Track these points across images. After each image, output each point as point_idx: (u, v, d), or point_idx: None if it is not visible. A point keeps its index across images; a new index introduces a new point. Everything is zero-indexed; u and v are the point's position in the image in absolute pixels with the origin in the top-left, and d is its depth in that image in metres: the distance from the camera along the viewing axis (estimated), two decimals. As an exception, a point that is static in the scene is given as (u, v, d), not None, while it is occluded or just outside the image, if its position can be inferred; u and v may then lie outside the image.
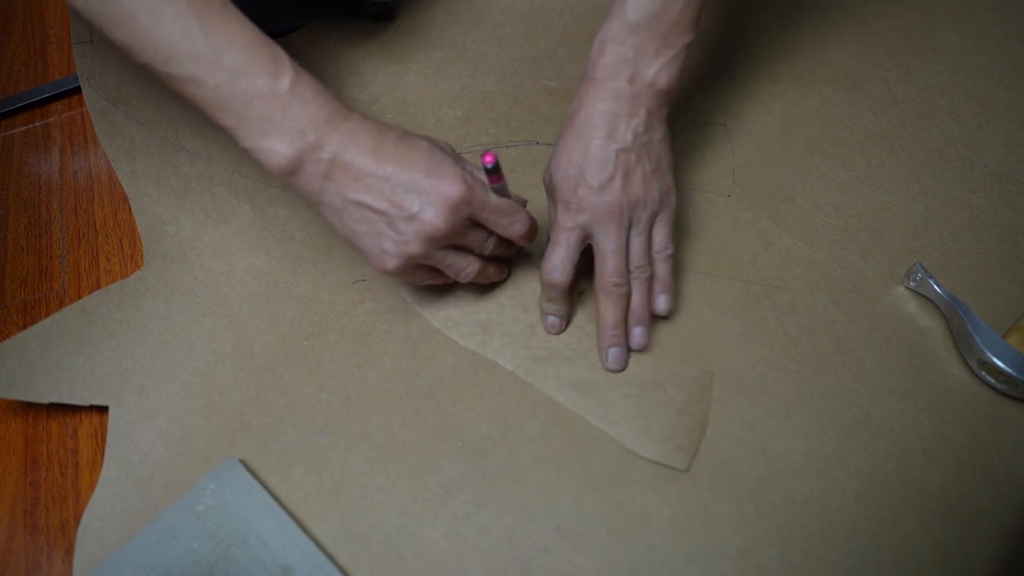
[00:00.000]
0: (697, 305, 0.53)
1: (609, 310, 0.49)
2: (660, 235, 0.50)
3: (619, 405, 0.48)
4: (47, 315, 0.54)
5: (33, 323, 0.52)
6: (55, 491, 0.48)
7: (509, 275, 0.54)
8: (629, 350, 0.50)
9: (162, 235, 0.57)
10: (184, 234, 0.57)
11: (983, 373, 0.48)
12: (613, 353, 0.49)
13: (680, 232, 0.56)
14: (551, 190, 0.50)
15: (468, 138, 0.63)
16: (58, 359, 0.51)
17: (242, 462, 0.46)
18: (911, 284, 0.53)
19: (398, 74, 0.67)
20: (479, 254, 0.48)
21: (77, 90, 0.69)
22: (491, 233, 0.47)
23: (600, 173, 0.47)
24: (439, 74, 0.67)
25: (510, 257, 0.54)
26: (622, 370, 0.50)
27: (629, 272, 0.49)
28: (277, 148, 0.42)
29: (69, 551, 0.45)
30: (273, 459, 0.47)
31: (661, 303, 0.51)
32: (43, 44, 0.75)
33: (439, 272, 0.48)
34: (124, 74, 0.66)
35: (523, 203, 0.50)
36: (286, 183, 0.44)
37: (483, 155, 0.44)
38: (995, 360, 0.47)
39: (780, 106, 0.64)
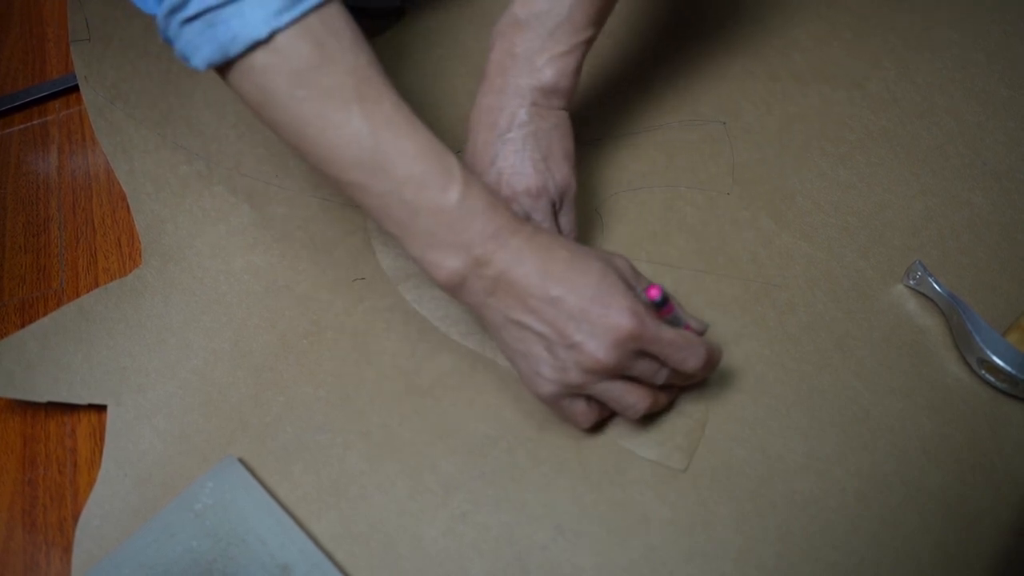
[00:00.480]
0: (696, 304, 0.53)
1: None
2: (565, 223, 0.50)
3: None
4: (45, 314, 0.54)
5: (31, 322, 0.52)
6: (53, 490, 0.48)
7: None
8: None
9: (160, 234, 0.57)
10: (182, 233, 0.57)
11: (983, 372, 0.48)
12: None
13: (679, 230, 0.56)
14: None
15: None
16: (56, 358, 0.51)
17: (241, 461, 0.46)
18: (911, 282, 0.53)
19: (398, 72, 0.67)
20: (651, 384, 0.44)
21: (75, 88, 0.69)
22: (663, 364, 0.43)
23: (488, 169, 0.47)
24: (439, 73, 0.67)
25: None
26: None
27: None
28: (443, 263, 0.40)
29: (67, 550, 0.45)
30: (272, 458, 0.47)
31: None
32: (41, 42, 0.75)
33: (601, 405, 0.44)
34: (122, 72, 0.66)
35: (702, 330, 0.46)
36: (451, 295, 0.42)
37: (647, 289, 0.41)
38: (995, 359, 0.47)
39: (779, 104, 0.64)
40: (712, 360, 0.43)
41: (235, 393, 0.50)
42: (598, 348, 0.39)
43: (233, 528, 0.43)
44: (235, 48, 0.38)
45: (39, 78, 0.71)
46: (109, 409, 0.49)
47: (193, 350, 0.51)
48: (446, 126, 0.63)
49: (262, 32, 0.37)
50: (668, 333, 0.41)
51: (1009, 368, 0.46)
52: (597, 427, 0.47)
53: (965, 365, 0.50)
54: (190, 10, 0.37)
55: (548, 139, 0.48)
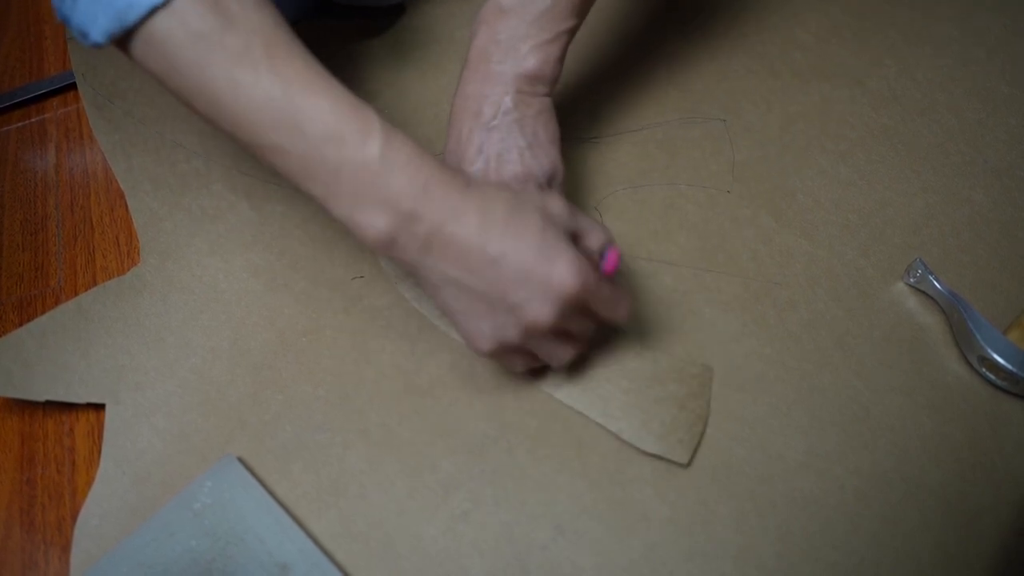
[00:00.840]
0: (696, 302, 0.52)
1: None
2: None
3: (618, 400, 0.48)
4: (43, 312, 0.54)
5: (29, 320, 0.52)
6: (52, 489, 0.48)
7: None
8: None
9: (159, 232, 0.57)
10: (181, 231, 0.57)
11: (983, 370, 0.48)
12: None
13: (679, 228, 0.56)
14: None
15: (466, 134, 0.62)
16: (54, 357, 0.50)
17: (240, 460, 0.46)
18: (911, 280, 0.53)
19: (396, 69, 0.67)
20: (579, 339, 0.44)
21: (73, 86, 0.69)
22: (597, 318, 0.43)
23: (474, 158, 0.47)
24: (437, 70, 0.67)
25: None
26: None
27: None
28: (370, 222, 0.38)
29: (66, 549, 0.45)
30: (271, 456, 0.47)
31: None
32: (38, 40, 0.75)
33: (534, 357, 0.45)
34: (120, 70, 0.66)
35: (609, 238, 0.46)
36: (385, 255, 0.41)
37: (606, 257, 0.40)
38: (995, 356, 0.47)
39: (780, 102, 0.64)
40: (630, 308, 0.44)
41: (234, 392, 0.50)
42: (539, 309, 0.39)
43: (232, 527, 0.43)
44: (132, 15, 0.36)
45: (36, 76, 0.71)
46: (107, 408, 0.49)
47: (192, 348, 0.51)
48: (444, 122, 0.63)
49: None
50: (606, 290, 0.41)
51: (1010, 366, 0.46)
52: (597, 428, 0.47)
53: (966, 363, 0.50)
54: None
55: (533, 125, 0.48)
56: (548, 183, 0.49)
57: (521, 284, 0.39)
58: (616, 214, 0.57)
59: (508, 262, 0.38)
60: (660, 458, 0.46)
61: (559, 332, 0.42)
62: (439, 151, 0.61)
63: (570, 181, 0.59)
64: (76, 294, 0.55)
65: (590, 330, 0.44)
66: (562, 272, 0.38)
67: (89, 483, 0.47)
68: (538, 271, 0.38)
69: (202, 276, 0.55)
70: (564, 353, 0.44)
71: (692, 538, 0.44)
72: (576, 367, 0.49)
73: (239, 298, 0.53)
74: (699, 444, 0.47)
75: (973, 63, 0.66)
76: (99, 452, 0.48)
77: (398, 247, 0.39)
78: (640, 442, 0.46)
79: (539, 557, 0.43)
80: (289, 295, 0.54)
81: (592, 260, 0.42)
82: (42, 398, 0.49)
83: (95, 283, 0.56)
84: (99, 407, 0.50)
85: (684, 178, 0.59)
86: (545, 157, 0.48)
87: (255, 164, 0.60)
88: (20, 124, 0.68)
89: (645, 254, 0.55)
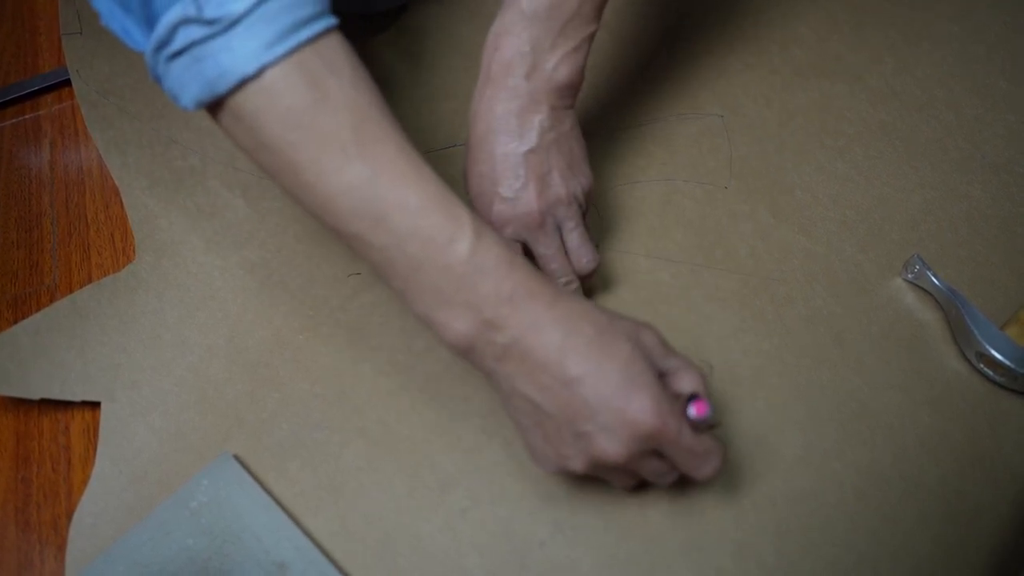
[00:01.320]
0: (695, 298, 0.52)
1: None
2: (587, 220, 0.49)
3: None
4: (38, 310, 0.53)
5: (24, 318, 0.52)
6: (47, 488, 0.48)
7: None
8: None
9: (154, 229, 0.56)
10: (176, 228, 0.56)
11: (981, 365, 0.48)
12: None
13: (677, 224, 0.56)
14: (473, 206, 0.48)
15: (463, 130, 0.62)
16: (50, 354, 0.50)
17: (236, 458, 0.46)
18: (909, 276, 0.53)
19: (393, 67, 0.66)
20: (651, 482, 0.41)
21: (67, 82, 0.68)
22: (667, 466, 0.39)
23: (512, 182, 0.45)
24: (434, 67, 0.66)
25: None
26: None
27: (579, 268, 0.48)
28: (450, 323, 0.37)
29: (62, 548, 0.45)
30: (268, 454, 0.47)
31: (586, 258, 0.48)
32: (33, 36, 0.74)
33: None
34: (115, 66, 0.65)
35: (715, 423, 0.43)
36: (461, 358, 0.39)
37: (694, 404, 0.37)
38: (993, 352, 0.47)
39: (778, 98, 0.64)
40: (720, 469, 0.39)
41: (231, 390, 0.49)
42: (610, 444, 0.36)
43: (229, 526, 0.43)
44: (223, 85, 0.35)
45: (31, 72, 0.71)
46: (103, 406, 0.49)
47: (188, 346, 0.51)
48: (442, 119, 0.63)
49: (251, 68, 0.34)
50: (688, 439, 0.37)
51: (1007, 362, 0.46)
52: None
53: (963, 359, 0.50)
54: (176, 44, 0.34)
55: (568, 143, 0.47)
56: (585, 199, 0.48)
57: (594, 414, 0.36)
58: (614, 210, 0.57)
59: (585, 387, 0.36)
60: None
61: (630, 471, 0.39)
62: (437, 149, 0.61)
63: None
64: (71, 291, 0.55)
65: (670, 476, 0.40)
66: (641, 409, 0.35)
67: (85, 481, 0.47)
68: (615, 403, 0.35)
69: (198, 273, 0.54)
70: (625, 484, 0.41)
71: (690, 534, 0.43)
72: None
73: (235, 295, 0.53)
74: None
75: (972, 60, 0.66)
76: (95, 450, 0.48)
77: (475, 353, 0.38)
78: None
79: (537, 554, 0.43)
80: (285, 292, 0.53)
81: (678, 404, 0.37)
82: (37, 396, 0.49)
83: (90, 280, 0.56)
84: (95, 405, 0.50)
85: (682, 174, 0.59)
86: (583, 175, 0.48)
87: (251, 161, 0.60)
88: (14, 120, 0.67)
89: (643, 250, 0.55)
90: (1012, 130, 0.61)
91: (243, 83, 0.35)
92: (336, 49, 0.37)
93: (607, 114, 0.63)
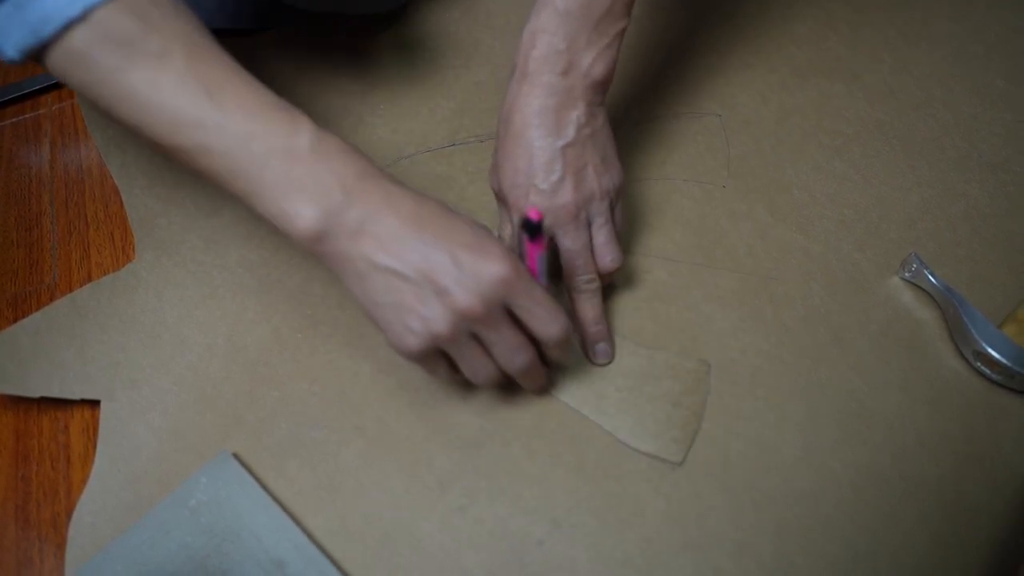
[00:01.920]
0: (693, 297, 0.52)
1: (587, 307, 0.48)
2: (617, 215, 0.49)
3: (613, 397, 0.48)
4: (38, 308, 0.53)
5: (24, 317, 0.52)
6: (46, 486, 0.48)
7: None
8: (614, 342, 0.50)
9: (153, 228, 0.57)
10: (176, 227, 0.57)
11: (978, 364, 0.48)
12: (601, 349, 0.49)
13: (675, 223, 0.56)
14: (502, 199, 0.48)
15: (462, 129, 0.62)
16: (49, 353, 0.50)
17: (235, 456, 0.46)
18: (907, 275, 0.53)
19: (391, 65, 0.66)
20: (502, 363, 0.42)
21: (67, 81, 0.68)
22: (523, 339, 0.41)
23: (549, 175, 0.46)
24: (432, 65, 0.67)
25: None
26: (611, 361, 0.49)
27: (603, 266, 0.48)
28: (300, 211, 0.37)
29: (61, 546, 0.45)
30: (267, 453, 0.47)
31: (608, 261, 0.48)
32: (32, 35, 0.74)
33: (455, 368, 0.43)
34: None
35: (550, 234, 0.46)
36: (313, 252, 0.39)
37: (528, 209, 0.40)
38: (990, 351, 0.47)
39: (776, 97, 0.64)
40: (567, 341, 0.42)
41: (230, 388, 0.49)
42: (467, 295, 0.38)
43: (228, 524, 0.43)
44: (48, 29, 0.36)
45: (31, 71, 0.71)
46: (102, 405, 0.49)
47: (187, 345, 0.51)
48: (441, 119, 0.63)
49: (75, 11, 0.35)
50: (539, 292, 0.40)
51: (1005, 360, 0.46)
52: (592, 423, 0.47)
53: (961, 357, 0.50)
54: None
55: (602, 139, 0.47)
56: (616, 194, 0.48)
57: (450, 268, 0.38)
58: (612, 209, 0.57)
59: (440, 244, 0.38)
60: (655, 457, 0.46)
61: (484, 336, 0.40)
62: (437, 148, 0.61)
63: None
64: (71, 290, 0.55)
65: (519, 356, 0.42)
66: (493, 258, 0.38)
67: (84, 480, 0.47)
68: (469, 255, 0.38)
69: (197, 272, 0.54)
70: (485, 367, 0.42)
71: (688, 532, 0.44)
72: (571, 365, 0.49)
73: (234, 294, 0.53)
74: (694, 441, 0.47)
75: (970, 59, 0.66)
76: (94, 449, 0.48)
77: (328, 238, 0.38)
78: (634, 441, 0.46)
79: (535, 552, 0.43)
80: (284, 291, 0.54)
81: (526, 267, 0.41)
82: (37, 395, 0.49)
83: (90, 279, 0.56)
84: (94, 404, 0.50)
85: (680, 173, 0.59)
86: (615, 171, 0.48)
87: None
88: (14, 120, 0.67)
89: (641, 249, 0.55)
90: (1010, 129, 0.61)
91: (69, 25, 0.36)
92: None
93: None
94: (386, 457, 0.47)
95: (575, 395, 0.48)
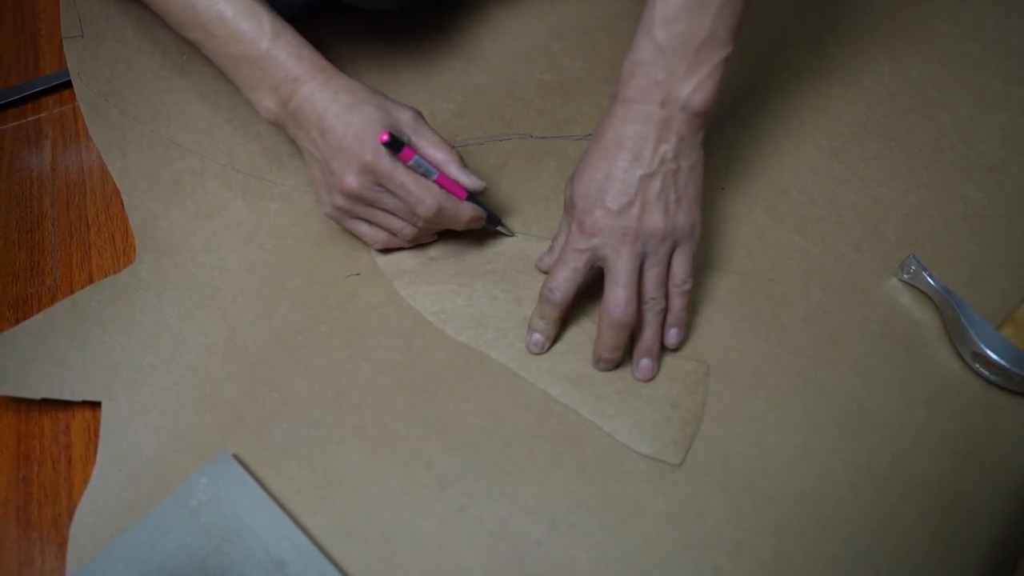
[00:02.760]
0: (692, 298, 0.52)
1: (608, 336, 0.47)
2: (680, 268, 0.48)
3: (612, 399, 0.48)
4: (39, 310, 0.54)
5: (25, 318, 0.52)
6: (48, 486, 0.48)
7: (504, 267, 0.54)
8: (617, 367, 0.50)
9: (154, 229, 0.57)
10: (176, 228, 0.57)
11: (977, 365, 0.49)
12: (602, 368, 0.49)
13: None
14: (569, 207, 0.49)
15: (462, 131, 0.62)
16: (50, 354, 0.50)
17: (235, 456, 0.46)
18: (905, 276, 0.53)
19: (390, 67, 0.67)
20: (406, 219, 0.51)
21: (68, 84, 0.68)
22: (407, 203, 0.49)
23: (620, 197, 0.46)
24: (432, 67, 0.67)
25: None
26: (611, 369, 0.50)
27: (641, 303, 0.48)
28: (261, 101, 0.50)
29: (62, 546, 0.45)
30: (267, 453, 0.47)
31: (672, 337, 0.49)
32: (34, 38, 0.74)
33: (380, 229, 0.53)
34: (115, 68, 0.66)
35: (476, 187, 0.50)
36: (279, 128, 0.51)
37: (380, 134, 0.47)
38: (988, 352, 0.47)
39: (774, 99, 0.64)
40: (448, 215, 0.50)
41: (230, 389, 0.50)
42: (345, 175, 0.48)
43: (228, 524, 0.43)
44: None
45: (32, 74, 0.71)
46: (103, 405, 0.49)
47: (187, 346, 0.51)
48: (441, 119, 0.63)
49: None
50: (401, 175, 0.48)
51: (1002, 361, 0.47)
52: (592, 424, 0.47)
53: (959, 358, 0.50)
54: None
55: (686, 179, 0.47)
56: (680, 241, 0.48)
57: (336, 152, 0.48)
58: (611, 211, 0.57)
59: (333, 134, 0.47)
60: (654, 458, 0.46)
61: (379, 206, 0.50)
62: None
63: (564, 179, 0.59)
64: (72, 292, 0.55)
65: (413, 215, 0.50)
66: (359, 148, 0.47)
67: (85, 480, 0.47)
68: (345, 143, 0.47)
69: (197, 273, 0.55)
70: (398, 224, 0.51)
71: (687, 532, 0.44)
72: (571, 366, 0.49)
73: (234, 296, 0.54)
74: (693, 442, 0.47)
75: (966, 59, 0.66)
76: (95, 449, 0.48)
77: (283, 123, 0.50)
78: (633, 442, 0.47)
79: (534, 552, 0.43)
80: (284, 292, 0.54)
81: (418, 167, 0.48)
82: (38, 395, 0.49)
83: (91, 281, 0.56)
84: (95, 404, 0.50)
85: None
86: (688, 215, 0.47)
87: (250, 161, 0.60)
88: (16, 123, 0.68)
89: (640, 251, 0.55)
90: (1006, 130, 0.61)
91: None
92: None
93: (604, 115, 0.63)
94: (386, 457, 0.47)
95: (574, 396, 0.48)
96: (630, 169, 0.46)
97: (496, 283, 0.53)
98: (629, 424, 0.47)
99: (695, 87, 0.45)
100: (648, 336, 0.48)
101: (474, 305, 0.53)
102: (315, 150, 0.49)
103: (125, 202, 0.58)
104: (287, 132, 0.51)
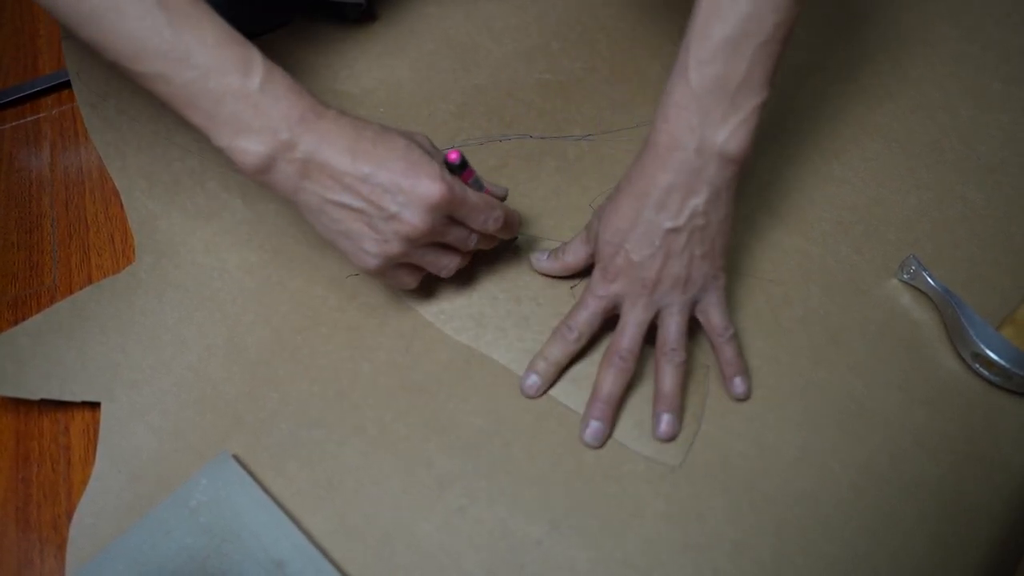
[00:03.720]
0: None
1: (607, 380, 0.46)
2: (716, 319, 0.48)
3: None
4: (38, 311, 0.53)
5: (24, 319, 0.52)
6: (47, 487, 0.48)
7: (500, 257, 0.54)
8: (611, 432, 0.47)
9: (153, 230, 0.57)
10: (176, 229, 0.57)
11: (977, 365, 0.49)
12: (594, 427, 0.46)
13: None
14: (596, 247, 0.49)
15: (461, 132, 0.62)
16: (49, 355, 0.50)
17: (235, 457, 0.46)
18: (905, 277, 0.53)
19: (390, 68, 0.67)
20: (460, 250, 0.48)
21: (67, 85, 0.69)
22: (472, 229, 0.47)
23: (643, 248, 0.45)
24: (431, 68, 0.67)
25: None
26: (599, 447, 0.47)
27: (663, 354, 0.47)
28: (249, 148, 0.41)
29: (61, 547, 0.45)
30: (266, 454, 0.47)
31: (737, 386, 0.48)
32: (32, 39, 0.74)
33: (420, 269, 0.48)
34: (114, 69, 0.66)
35: (502, 195, 0.50)
36: (260, 182, 0.42)
37: (447, 153, 0.44)
38: (988, 352, 0.47)
39: (774, 99, 0.64)
40: (512, 222, 0.48)
41: (230, 389, 0.50)
42: (415, 216, 0.42)
43: (228, 524, 0.43)
44: None
45: (31, 74, 0.71)
46: (103, 406, 0.49)
47: (187, 346, 0.51)
48: (441, 120, 0.63)
49: None
50: (473, 196, 0.44)
51: (1003, 362, 0.47)
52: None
53: (959, 359, 0.50)
54: None
55: (714, 234, 0.46)
56: (701, 293, 0.47)
57: (394, 195, 0.42)
58: (611, 211, 0.57)
59: (379, 177, 0.41)
60: (653, 460, 0.46)
61: (439, 242, 0.45)
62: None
63: (564, 179, 0.59)
64: (71, 292, 0.55)
65: (471, 240, 0.47)
66: (428, 179, 0.42)
67: (84, 481, 0.47)
68: (406, 182, 0.42)
69: (197, 274, 0.55)
70: (449, 261, 0.47)
71: (687, 533, 0.44)
72: (573, 365, 0.49)
73: (234, 296, 0.53)
74: (693, 443, 0.47)
75: (966, 60, 0.66)
76: (94, 450, 0.48)
77: (276, 173, 0.42)
78: (633, 443, 0.47)
79: (534, 552, 0.43)
80: (284, 293, 0.54)
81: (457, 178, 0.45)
82: (37, 396, 0.49)
83: (90, 281, 0.56)
84: (94, 405, 0.50)
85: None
86: (712, 267, 0.47)
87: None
88: (14, 123, 0.68)
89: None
90: (1007, 131, 0.61)
91: None
92: None
93: (603, 116, 0.63)
94: (386, 457, 0.47)
95: (574, 397, 0.48)
96: (657, 221, 0.45)
97: (496, 283, 0.53)
98: (629, 424, 0.47)
99: (731, 133, 0.43)
100: (667, 387, 0.47)
101: (474, 305, 0.53)
102: (356, 199, 0.42)
103: (124, 203, 0.58)
104: (282, 185, 0.42)
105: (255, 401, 0.49)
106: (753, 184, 0.58)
